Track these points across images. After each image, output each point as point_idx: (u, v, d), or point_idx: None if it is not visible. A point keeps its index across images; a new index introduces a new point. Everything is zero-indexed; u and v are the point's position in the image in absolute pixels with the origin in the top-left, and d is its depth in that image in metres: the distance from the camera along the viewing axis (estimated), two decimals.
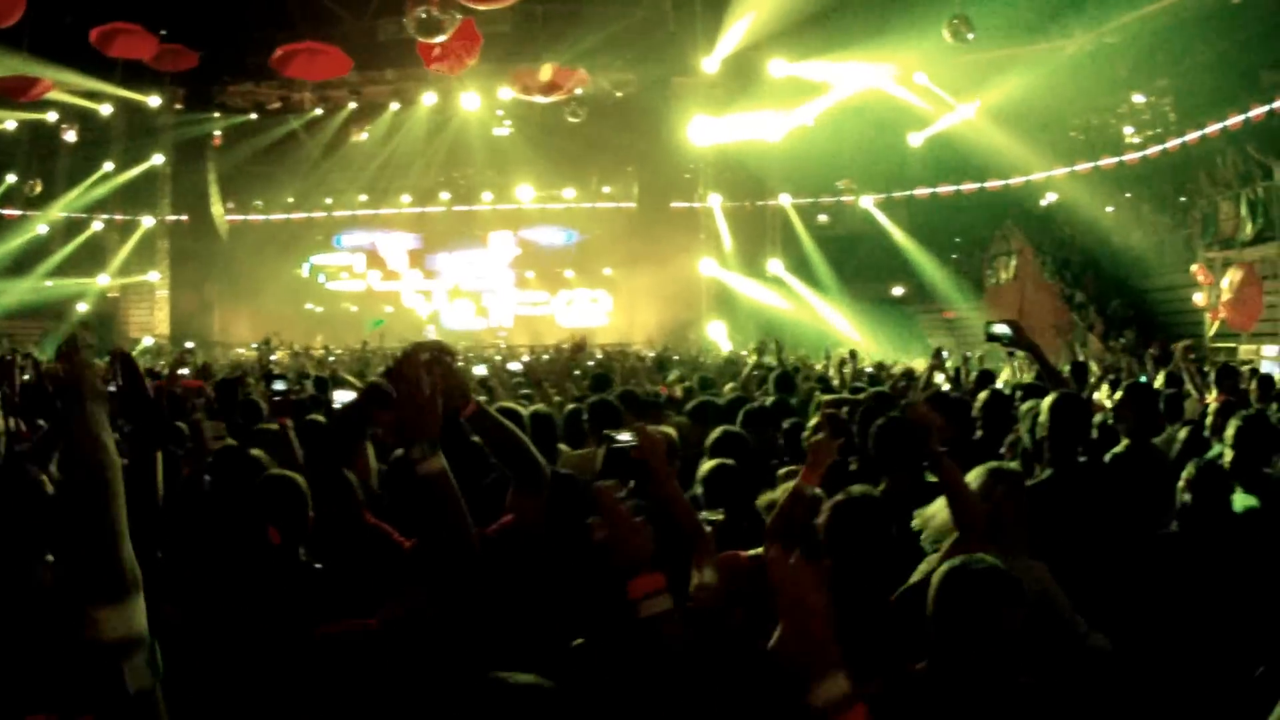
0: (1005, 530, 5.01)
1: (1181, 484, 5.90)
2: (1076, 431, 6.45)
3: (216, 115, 36.21)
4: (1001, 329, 7.65)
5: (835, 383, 14.26)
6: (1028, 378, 12.55)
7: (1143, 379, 13.96)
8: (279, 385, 9.47)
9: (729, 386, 13.47)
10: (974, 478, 5.24)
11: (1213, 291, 26.35)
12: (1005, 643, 3.43)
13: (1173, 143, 29.88)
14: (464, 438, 4.92)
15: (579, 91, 31.08)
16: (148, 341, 31.93)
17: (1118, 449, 7.28)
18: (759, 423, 8.55)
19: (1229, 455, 6.68)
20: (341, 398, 9.22)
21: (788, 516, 5.07)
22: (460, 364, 22.83)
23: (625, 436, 4.88)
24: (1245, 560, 5.53)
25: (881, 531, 4.63)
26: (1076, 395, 7.08)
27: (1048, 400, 6.55)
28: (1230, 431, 6.70)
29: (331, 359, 24.78)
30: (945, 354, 14.26)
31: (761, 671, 2.93)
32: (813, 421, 7.28)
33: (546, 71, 27.24)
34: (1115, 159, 31.89)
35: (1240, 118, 27.09)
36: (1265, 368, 19.16)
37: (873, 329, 33.79)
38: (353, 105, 34.75)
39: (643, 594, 3.24)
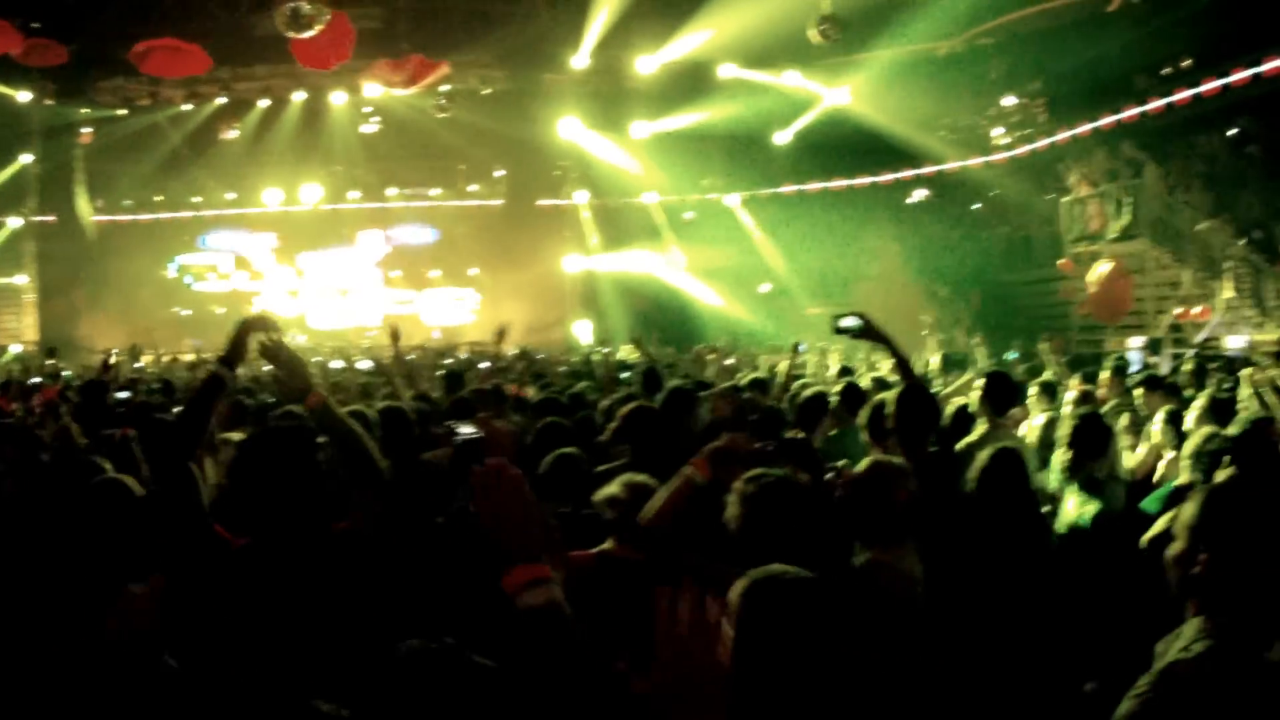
0: (891, 522, 5.02)
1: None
2: (924, 421, 6.36)
3: (86, 111, 35.37)
4: (850, 322, 7.51)
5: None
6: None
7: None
8: (122, 395, 9.16)
9: (581, 385, 13.31)
10: (861, 469, 5.25)
11: (1079, 285, 26.76)
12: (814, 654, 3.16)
13: (1042, 143, 30.45)
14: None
15: (446, 87, 30.85)
16: (15, 349, 30.94)
17: (972, 436, 7.28)
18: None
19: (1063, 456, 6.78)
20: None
21: (669, 509, 4.79)
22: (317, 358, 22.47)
23: (467, 429, 4.77)
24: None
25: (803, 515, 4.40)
26: (923, 387, 7.00)
27: (894, 392, 6.55)
28: (1064, 431, 6.69)
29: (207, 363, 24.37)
30: (803, 348, 14.22)
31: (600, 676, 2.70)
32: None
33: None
34: (983, 159, 32.39)
35: (1112, 119, 27.72)
36: (1133, 359, 19.48)
37: (742, 325, 33.88)
38: (222, 101, 34.08)
39: (521, 584, 3.00)
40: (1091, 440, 6.90)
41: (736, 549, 4.21)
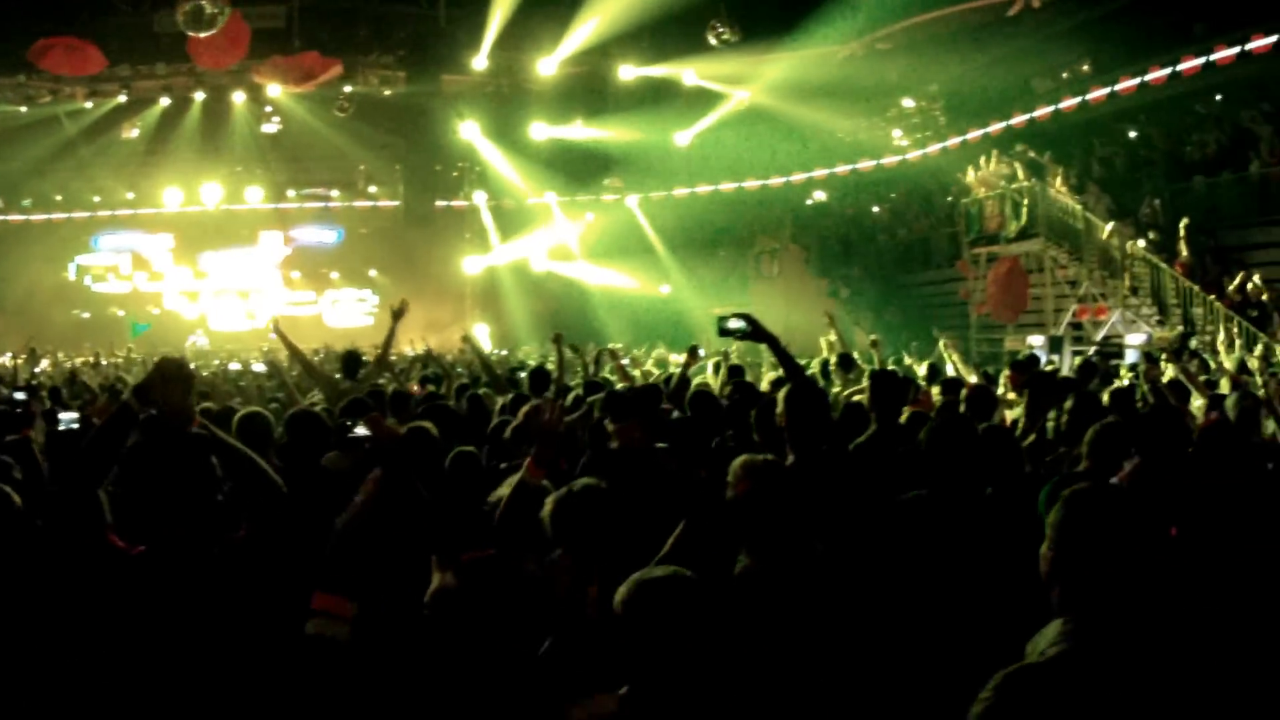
0: (759, 521, 4.87)
1: None
2: (813, 420, 6.30)
3: None
4: (736, 323, 7.48)
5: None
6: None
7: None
8: (19, 395, 8.97)
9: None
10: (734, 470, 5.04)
11: (977, 285, 27.03)
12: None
13: (939, 145, 30.80)
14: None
15: (348, 89, 30.62)
16: None
17: (862, 435, 7.26)
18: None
19: None
20: (67, 421, 8.74)
21: (512, 510, 4.83)
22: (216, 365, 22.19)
23: (360, 430, 5.36)
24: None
25: (608, 521, 4.52)
26: (811, 385, 6.97)
27: (783, 392, 6.46)
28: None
29: (106, 365, 24.10)
30: (701, 350, 14.18)
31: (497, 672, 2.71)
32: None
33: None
34: (881, 161, 32.71)
35: (1007, 123, 28.13)
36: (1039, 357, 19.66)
37: (643, 325, 33.90)
38: (123, 99, 33.51)
39: (319, 609, 2.95)
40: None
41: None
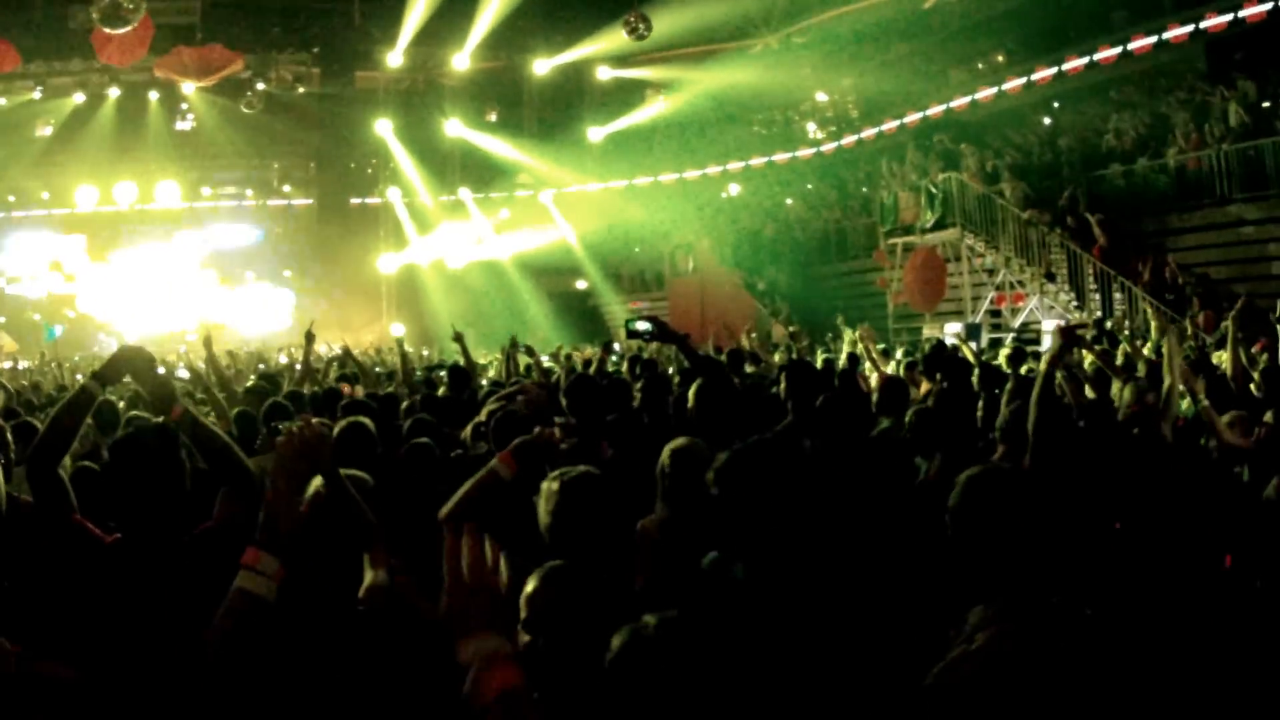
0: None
1: None
2: (723, 413, 6.28)
3: None
4: (643, 325, 7.56)
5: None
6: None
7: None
8: None
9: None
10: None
11: (894, 275, 27.14)
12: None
13: (853, 137, 30.97)
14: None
15: (261, 86, 30.29)
16: None
17: (780, 425, 7.23)
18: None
19: None
20: None
21: (471, 499, 4.84)
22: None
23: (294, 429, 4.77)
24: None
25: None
26: (722, 379, 6.97)
27: (693, 387, 6.58)
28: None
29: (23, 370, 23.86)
30: (617, 346, 14.15)
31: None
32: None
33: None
34: (794, 153, 32.82)
35: (926, 113, 28.29)
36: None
37: (562, 321, 33.81)
38: (36, 96, 32.90)
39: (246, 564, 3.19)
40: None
41: (551, 543, 4.27)
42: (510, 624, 2.65)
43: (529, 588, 3.42)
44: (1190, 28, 23.22)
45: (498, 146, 34.65)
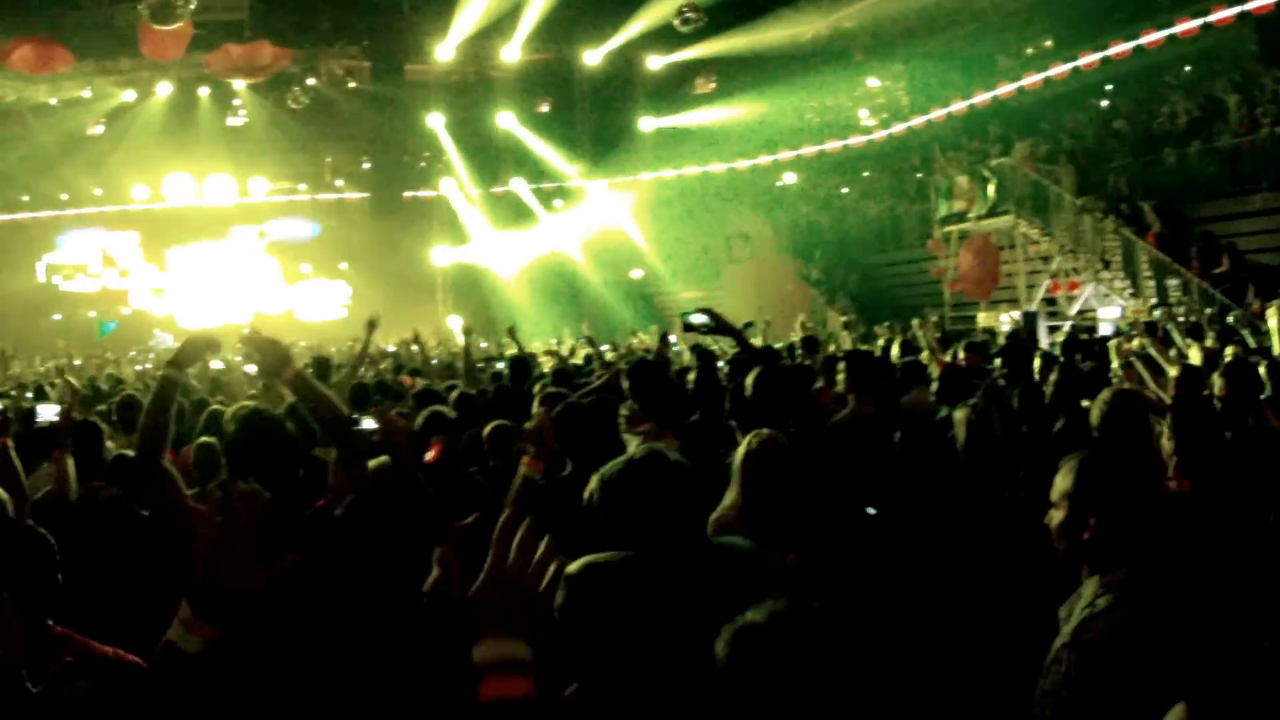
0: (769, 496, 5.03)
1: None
2: (781, 402, 6.27)
3: None
4: (699, 318, 7.52)
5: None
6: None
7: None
8: None
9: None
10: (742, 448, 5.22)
11: (949, 263, 27.00)
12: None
13: (906, 125, 30.84)
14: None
15: (311, 81, 30.45)
16: None
17: (839, 415, 7.26)
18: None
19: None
20: (45, 414, 8.68)
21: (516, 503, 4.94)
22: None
23: (369, 424, 5.24)
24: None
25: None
26: (781, 368, 7.00)
27: (751, 376, 6.54)
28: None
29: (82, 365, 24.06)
30: (674, 339, 14.14)
31: None
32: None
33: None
34: (847, 141, 32.73)
35: (977, 99, 28.14)
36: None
37: (616, 311, 33.82)
38: (86, 95, 33.21)
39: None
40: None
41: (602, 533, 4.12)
42: (536, 629, 2.53)
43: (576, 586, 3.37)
44: (1235, 10, 22.98)
45: (550, 138, 34.70)
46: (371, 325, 12.83)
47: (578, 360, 15.88)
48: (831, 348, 14.83)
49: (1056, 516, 3.49)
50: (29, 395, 14.14)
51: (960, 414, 6.50)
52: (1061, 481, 3.50)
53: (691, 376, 8.34)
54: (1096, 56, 25.92)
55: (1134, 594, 3.28)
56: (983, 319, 24.55)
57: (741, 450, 5.20)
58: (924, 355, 12.48)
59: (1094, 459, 3.52)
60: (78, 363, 25.40)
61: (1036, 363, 9.60)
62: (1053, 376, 7.84)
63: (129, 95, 33.34)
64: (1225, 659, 3.14)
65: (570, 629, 3.28)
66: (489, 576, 2.51)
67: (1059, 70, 26.98)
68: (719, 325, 7.49)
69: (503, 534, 2.55)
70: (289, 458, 4.91)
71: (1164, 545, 3.42)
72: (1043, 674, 3.31)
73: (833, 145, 33.41)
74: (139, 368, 24.65)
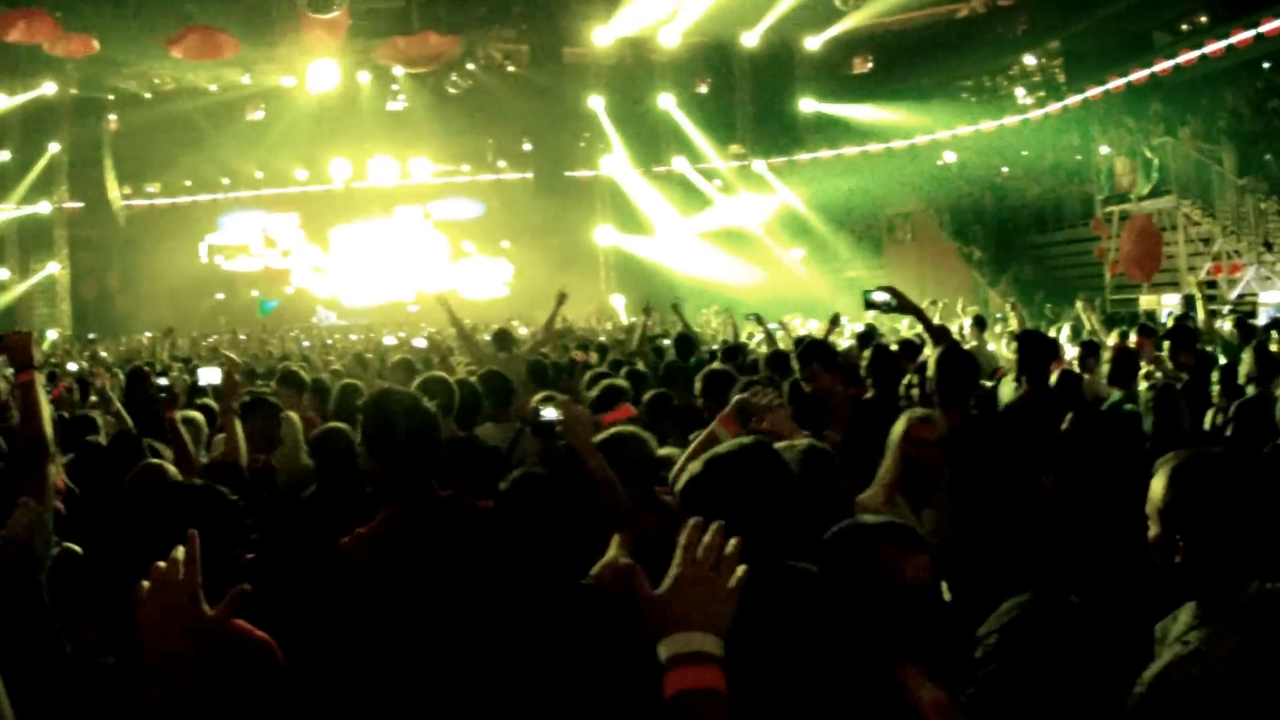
0: (925, 479, 5.15)
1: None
2: (964, 382, 6.39)
3: (111, 99, 35.64)
4: (881, 296, 7.58)
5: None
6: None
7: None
8: (163, 381, 9.26)
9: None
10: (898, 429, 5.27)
11: (1111, 244, 26.65)
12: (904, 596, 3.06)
13: (1064, 103, 30.40)
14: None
15: (470, 66, 30.92)
16: (52, 335, 30.90)
17: (1012, 396, 7.30)
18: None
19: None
20: (206, 377, 9.06)
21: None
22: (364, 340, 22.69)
23: (550, 412, 4.97)
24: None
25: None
26: (961, 348, 7.06)
27: (934, 355, 6.65)
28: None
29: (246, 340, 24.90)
30: (844, 319, 14.27)
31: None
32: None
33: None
34: (1005, 120, 32.33)
35: (1128, 79, 27.67)
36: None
37: (775, 291, 33.74)
38: (246, 81, 34.12)
39: None
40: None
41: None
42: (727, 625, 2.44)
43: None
44: None
45: (709, 118, 34.82)
46: (561, 299, 13.19)
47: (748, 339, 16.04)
48: (998, 329, 14.89)
49: (1151, 532, 3.15)
50: (193, 367, 14.76)
51: (1147, 396, 6.57)
52: (1154, 491, 3.13)
53: (867, 354, 8.45)
54: (1250, 34, 25.33)
55: (1232, 630, 2.89)
56: (1144, 301, 24.24)
57: (899, 427, 5.26)
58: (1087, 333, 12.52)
59: (1188, 468, 3.10)
60: (243, 337, 26.27)
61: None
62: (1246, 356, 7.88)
63: (288, 81, 34.13)
64: None
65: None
66: (680, 574, 2.44)
67: (1214, 47, 26.39)
68: (901, 304, 7.60)
69: (691, 532, 2.50)
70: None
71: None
72: (1128, 701, 2.91)
73: (990, 125, 33.06)
74: (306, 344, 25.36)
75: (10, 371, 10.39)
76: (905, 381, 8.39)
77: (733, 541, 2.47)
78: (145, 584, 2.55)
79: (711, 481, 3.58)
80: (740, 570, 2.43)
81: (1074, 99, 30.30)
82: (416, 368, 10.87)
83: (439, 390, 6.56)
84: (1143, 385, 7.85)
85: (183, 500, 3.87)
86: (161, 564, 2.57)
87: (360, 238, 41.95)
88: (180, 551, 2.59)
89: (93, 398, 11.02)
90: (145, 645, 2.52)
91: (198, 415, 8.16)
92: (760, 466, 3.63)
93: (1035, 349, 7.63)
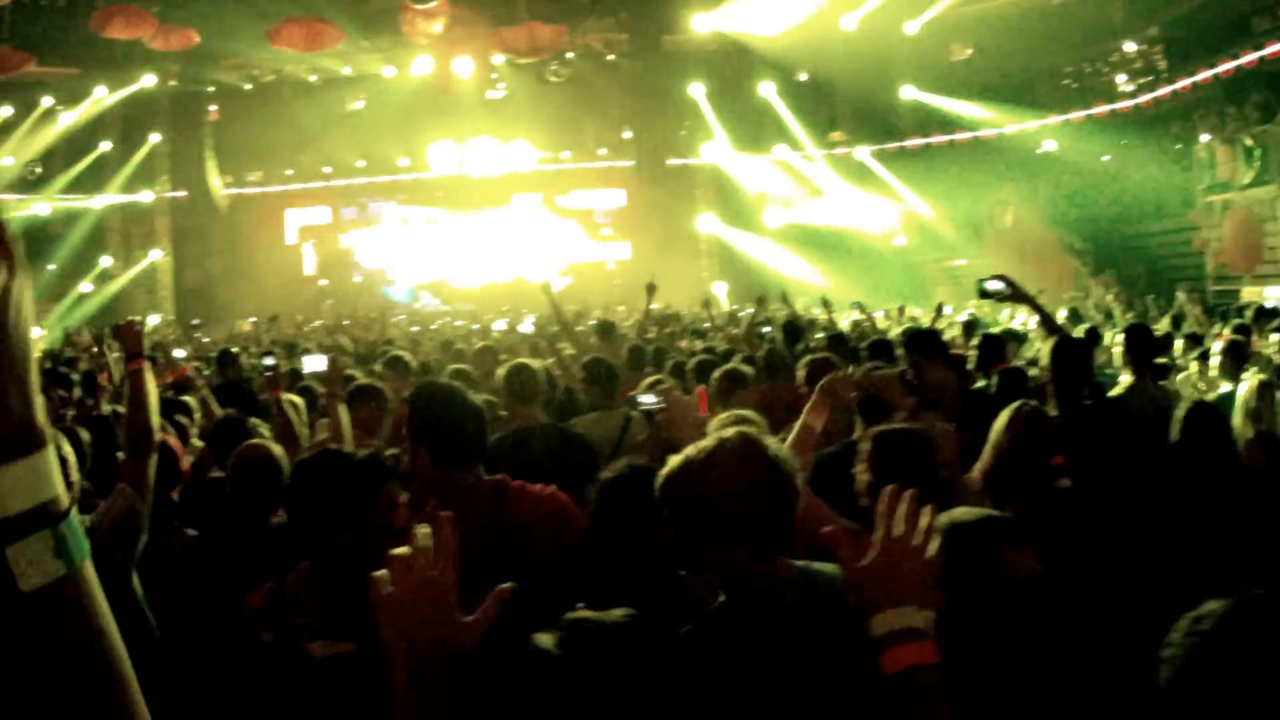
0: (1025, 467, 5.18)
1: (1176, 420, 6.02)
2: (1078, 373, 6.52)
3: (212, 90, 36.32)
4: (995, 285, 7.65)
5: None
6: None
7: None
8: (269, 360, 9.60)
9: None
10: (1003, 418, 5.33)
11: (1212, 235, 26.42)
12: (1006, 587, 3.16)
13: (1165, 90, 30.09)
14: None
15: (570, 55, 31.18)
16: (153, 320, 31.56)
17: (1119, 388, 7.40)
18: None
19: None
20: (311, 365, 9.36)
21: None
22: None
23: (650, 399, 5.06)
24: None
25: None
26: (1075, 339, 7.19)
27: (1048, 345, 6.69)
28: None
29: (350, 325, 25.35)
30: (948, 309, 14.37)
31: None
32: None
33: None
34: (1109, 106, 32.03)
35: (1231, 64, 27.32)
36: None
37: (876, 279, 33.67)
38: (346, 72, 34.60)
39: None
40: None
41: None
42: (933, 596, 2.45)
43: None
44: None
45: (810, 105, 34.81)
46: (651, 289, 13.47)
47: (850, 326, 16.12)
48: (1099, 319, 14.93)
49: None
50: (298, 352, 15.12)
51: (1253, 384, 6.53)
52: None
53: (975, 343, 8.55)
54: None
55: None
56: (1246, 293, 24.03)
57: (1004, 418, 5.34)
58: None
59: None
60: (346, 323, 26.74)
61: None
62: None
63: (389, 71, 34.53)
64: None
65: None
66: (882, 549, 2.45)
67: None
68: (1015, 293, 7.72)
69: (887, 505, 2.51)
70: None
71: None
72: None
73: (1088, 112, 32.76)
74: (414, 329, 25.77)
75: (117, 356, 10.74)
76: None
77: (926, 510, 2.51)
78: (381, 574, 2.34)
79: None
80: (936, 541, 2.47)
81: (1174, 86, 30.00)
82: (501, 356, 10.96)
83: (523, 378, 6.84)
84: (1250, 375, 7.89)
85: (355, 470, 4.03)
86: (402, 551, 2.34)
87: (467, 225, 42.01)
88: (424, 536, 2.36)
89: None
90: (389, 652, 2.31)
91: (298, 399, 8.45)
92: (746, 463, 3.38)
93: (1142, 342, 7.72)
